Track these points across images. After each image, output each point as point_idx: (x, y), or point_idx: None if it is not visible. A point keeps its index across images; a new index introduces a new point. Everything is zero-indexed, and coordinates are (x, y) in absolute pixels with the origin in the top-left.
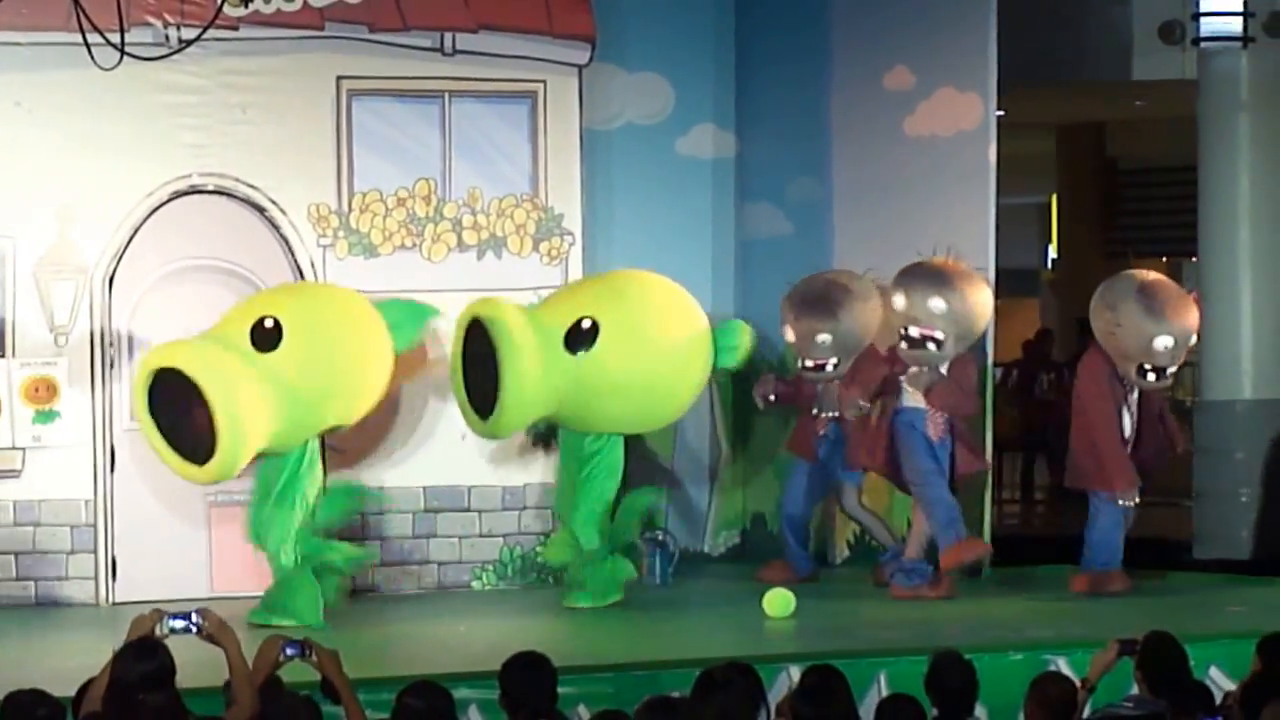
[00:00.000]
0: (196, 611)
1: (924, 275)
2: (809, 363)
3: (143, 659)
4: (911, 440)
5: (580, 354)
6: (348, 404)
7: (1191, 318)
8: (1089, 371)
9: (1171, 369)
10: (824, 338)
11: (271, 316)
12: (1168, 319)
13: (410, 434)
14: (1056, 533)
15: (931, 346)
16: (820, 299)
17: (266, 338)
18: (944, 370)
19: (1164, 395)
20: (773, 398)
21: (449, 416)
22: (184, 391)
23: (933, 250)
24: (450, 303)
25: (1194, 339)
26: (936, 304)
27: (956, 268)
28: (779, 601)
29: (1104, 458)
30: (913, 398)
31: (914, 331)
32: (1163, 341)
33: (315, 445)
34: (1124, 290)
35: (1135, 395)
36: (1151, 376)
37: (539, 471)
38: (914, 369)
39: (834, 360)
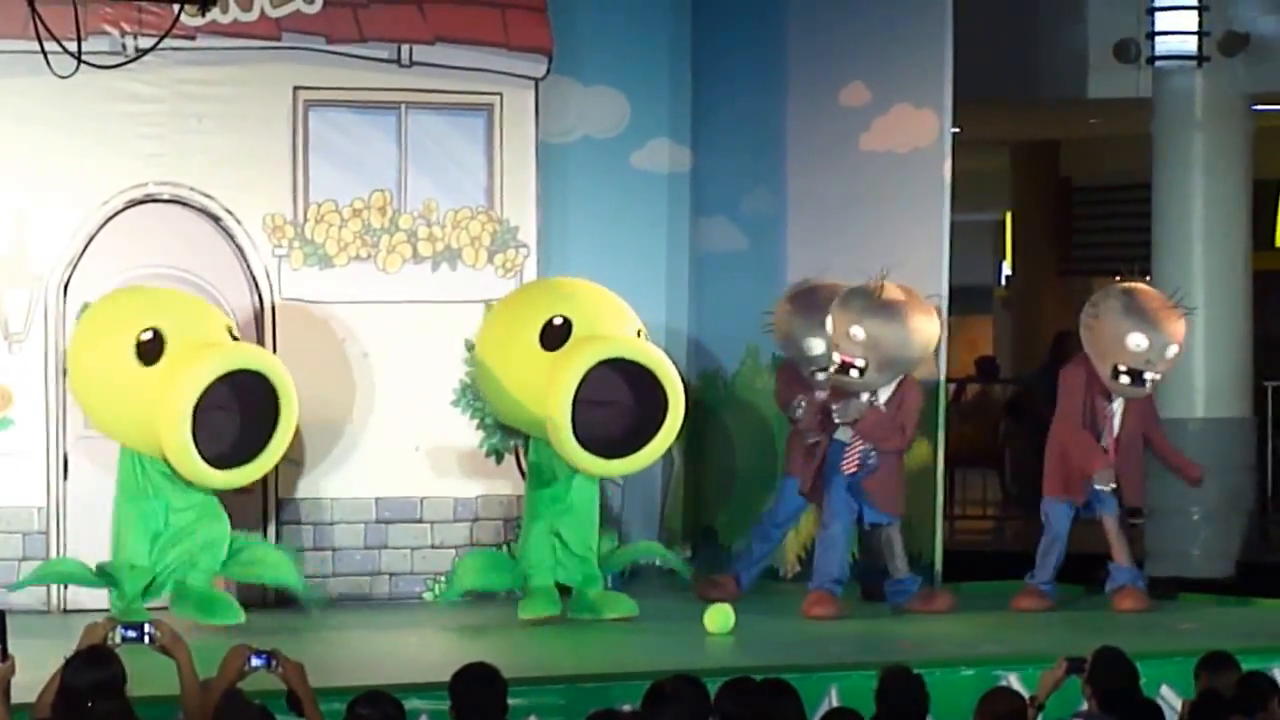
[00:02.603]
0: (150, 622)
1: (853, 301)
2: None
3: (93, 667)
4: (833, 475)
5: (558, 351)
6: None
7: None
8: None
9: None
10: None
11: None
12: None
13: (362, 445)
14: (1008, 548)
15: (853, 374)
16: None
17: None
18: (881, 398)
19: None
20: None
21: (401, 427)
22: (246, 397)
23: (881, 273)
24: (405, 314)
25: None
26: (856, 331)
27: (892, 294)
28: (720, 617)
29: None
30: (840, 431)
31: (836, 357)
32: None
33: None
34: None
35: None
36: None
37: (491, 483)
38: (839, 403)
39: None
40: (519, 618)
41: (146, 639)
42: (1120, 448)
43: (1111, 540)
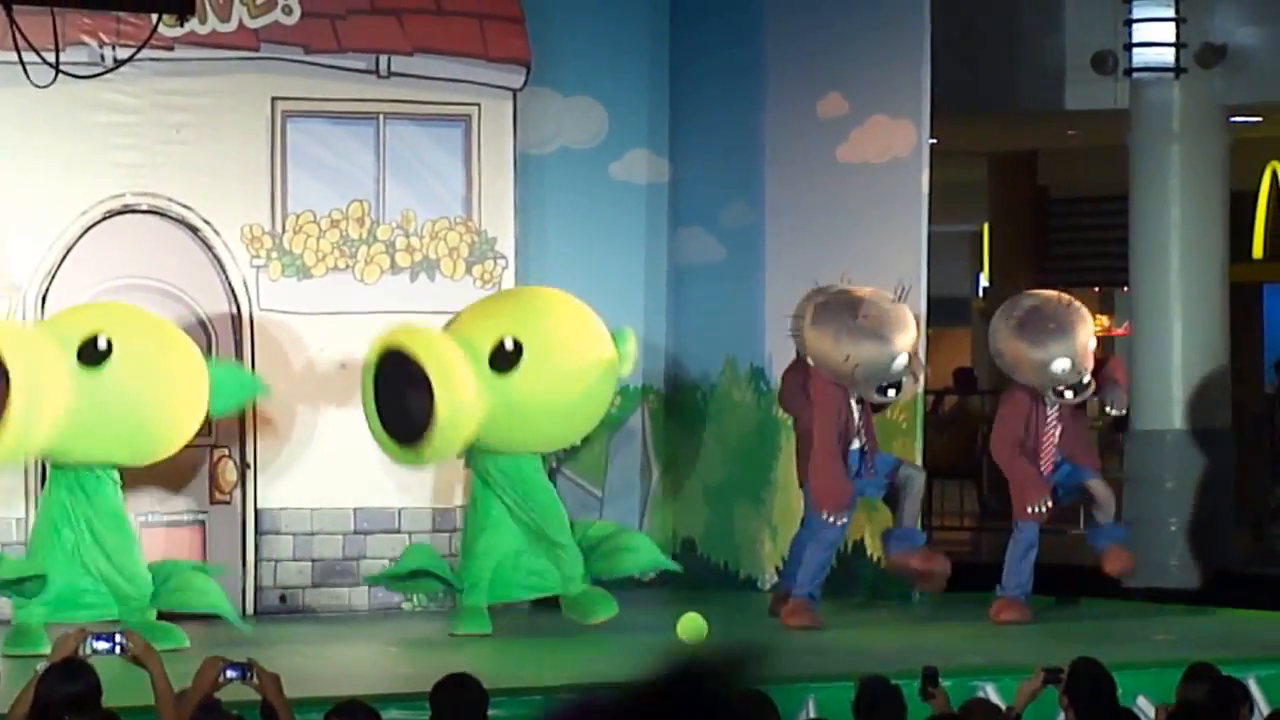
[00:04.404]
0: (121, 632)
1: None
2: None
3: (68, 679)
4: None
5: (505, 374)
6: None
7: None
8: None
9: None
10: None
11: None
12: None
13: (340, 455)
14: (986, 560)
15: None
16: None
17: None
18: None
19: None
20: None
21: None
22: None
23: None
24: (383, 324)
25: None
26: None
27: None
28: (692, 626)
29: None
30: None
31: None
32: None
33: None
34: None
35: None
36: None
37: (469, 494)
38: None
39: None
40: (450, 633)
41: (118, 649)
42: (1063, 432)
43: (1097, 500)
